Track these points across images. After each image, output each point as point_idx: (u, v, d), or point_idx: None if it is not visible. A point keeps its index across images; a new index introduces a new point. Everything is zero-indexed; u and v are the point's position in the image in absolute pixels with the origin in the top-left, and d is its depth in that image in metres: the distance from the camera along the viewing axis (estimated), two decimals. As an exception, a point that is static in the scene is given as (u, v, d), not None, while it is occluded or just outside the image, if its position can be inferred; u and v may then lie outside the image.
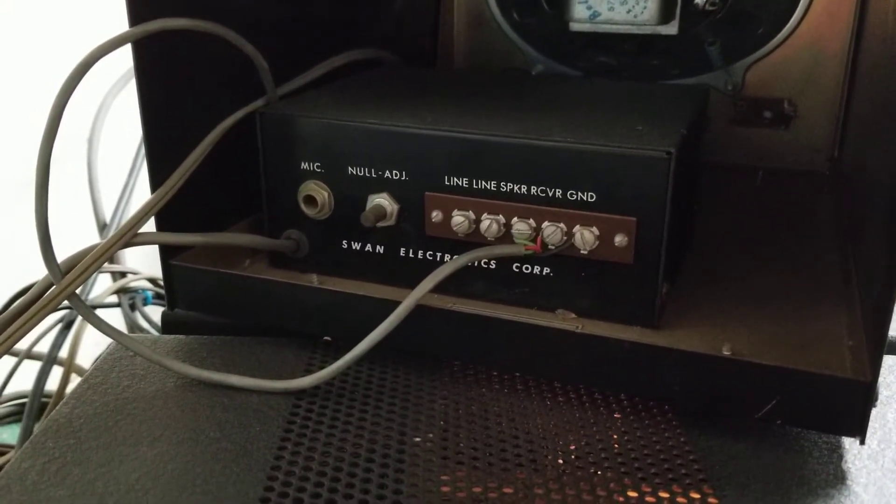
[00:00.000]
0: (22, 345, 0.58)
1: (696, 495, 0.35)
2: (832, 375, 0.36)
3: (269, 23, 0.52)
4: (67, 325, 0.66)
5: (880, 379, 0.44)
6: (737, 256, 0.53)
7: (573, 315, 0.45)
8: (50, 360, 0.66)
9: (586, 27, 0.62)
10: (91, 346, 0.68)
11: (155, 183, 0.44)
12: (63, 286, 0.40)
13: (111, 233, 0.64)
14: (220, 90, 0.48)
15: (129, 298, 0.68)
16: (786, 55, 0.66)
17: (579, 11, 0.61)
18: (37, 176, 0.39)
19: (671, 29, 0.63)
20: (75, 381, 0.70)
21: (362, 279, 0.49)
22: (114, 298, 0.69)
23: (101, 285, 0.72)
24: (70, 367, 0.67)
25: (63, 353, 0.68)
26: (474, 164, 0.45)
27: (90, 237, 0.74)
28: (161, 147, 0.44)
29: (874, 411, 0.39)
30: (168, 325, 0.47)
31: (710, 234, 0.56)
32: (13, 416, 0.71)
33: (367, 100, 0.51)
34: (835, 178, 0.66)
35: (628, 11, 0.59)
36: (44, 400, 0.67)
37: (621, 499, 0.34)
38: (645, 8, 0.59)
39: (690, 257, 0.53)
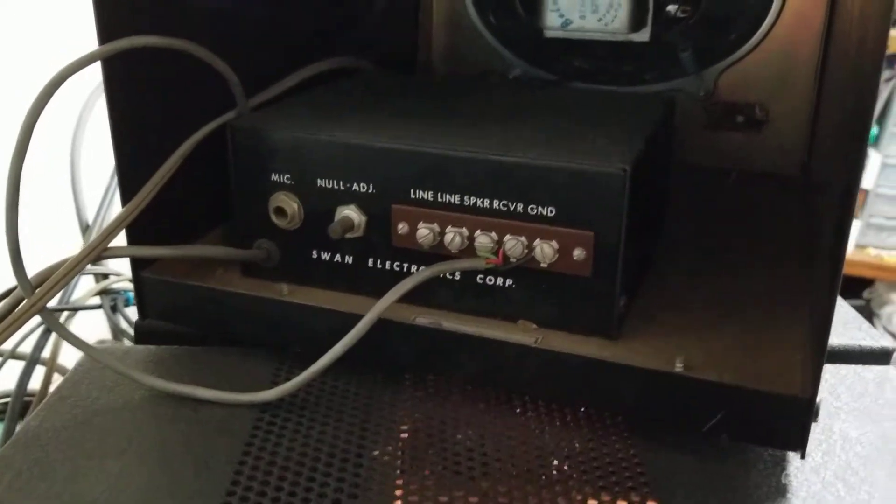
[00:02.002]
0: (6, 346, 0.59)
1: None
2: (772, 392, 0.37)
3: (243, 32, 0.53)
4: (48, 329, 0.67)
5: (832, 389, 0.46)
6: (702, 264, 0.55)
7: (534, 325, 0.47)
8: (32, 361, 0.67)
9: (559, 34, 0.63)
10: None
11: (126, 196, 0.45)
12: (33, 301, 0.41)
13: (92, 236, 0.65)
14: (192, 102, 0.49)
15: (111, 300, 0.69)
16: (758, 60, 0.67)
17: (552, 19, 0.61)
18: (7, 192, 0.40)
19: (643, 36, 0.63)
20: (57, 380, 0.72)
21: (332, 288, 0.50)
22: (96, 300, 0.70)
23: (85, 286, 0.73)
24: (52, 367, 0.68)
25: (46, 353, 0.69)
26: (439, 178, 0.46)
27: (74, 237, 0.75)
28: (131, 161, 0.45)
29: (821, 423, 0.40)
30: (140, 335, 0.49)
31: (678, 241, 0.57)
32: (-2, 415, 0.72)
33: (338, 111, 0.52)
34: (805, 182, 0.67)
35: (599, 20, 0.60)
36: (27, 399, 0.68)
37: (570, 510, 0.36)
38: (615, 17, 0.59)
39: (656, 265, 0.54)
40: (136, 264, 0.47)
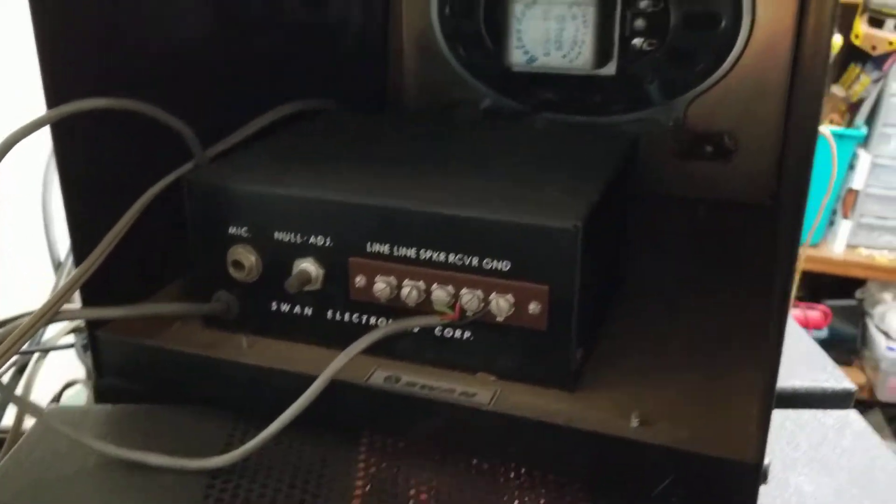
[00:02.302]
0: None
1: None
2: (720, 457, 0.37)
3: (199, 80, 0.53)
4: (21, 368, 0.67)
5: (791, 437, 0.46)
6: (665, 305, 0.54)
7: (493, 378, 0.47)
8: (6, 401, 0.67)
9: (525, 69, 0.63)
10: (51, 380, 0.70)
11: (79, 257, 0.44)
12: (-15, 368, 0.41)
13: (61, 281, 0.65)
14: (148, 155, 0.48)
15: (83, 339, 0.69)
16: (726, 90, 0.67)
17: (516, 56, 0.61)
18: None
19: (609, 70, 0.63)
20: (30, 419, 0.72)
21: (292, 340, 0.50)
22: (69, 338, 0.69)
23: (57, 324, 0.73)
24: (24, 406, 0.68)
25: (19, 390, 0.69)
26: (394, 231, 0.45)
27: (47, 275, 0.75)
28: (85, 221, 0.45)
29: (777, 477, 0.40)
30: (100, 392, 0.48)
31: (644, 280, 0.57)
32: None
33: (296, 160, 0.51)
34: (775, 212, 0.67)
35: (563, 56, 0.60)
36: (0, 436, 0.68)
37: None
38: (579, 54, 0.59)
39: (619, 307, 0.54)
40: (92, 323, 0.47)
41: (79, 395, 0.67)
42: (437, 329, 0.47)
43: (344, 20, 0.69)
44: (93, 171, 0.45)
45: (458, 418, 0.43)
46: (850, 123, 2.10)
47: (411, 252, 0.45)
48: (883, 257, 2.09)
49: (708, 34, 0.64)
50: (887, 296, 2.20)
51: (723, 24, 0.64)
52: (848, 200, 2.12)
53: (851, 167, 2.09)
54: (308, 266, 0.47)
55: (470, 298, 0.45)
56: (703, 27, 0.64)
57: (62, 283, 0.44)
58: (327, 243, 0.47)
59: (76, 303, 0.47)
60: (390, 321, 0.47)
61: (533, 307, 0.44)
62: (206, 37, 0.54)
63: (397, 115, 0.72)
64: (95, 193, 0.45)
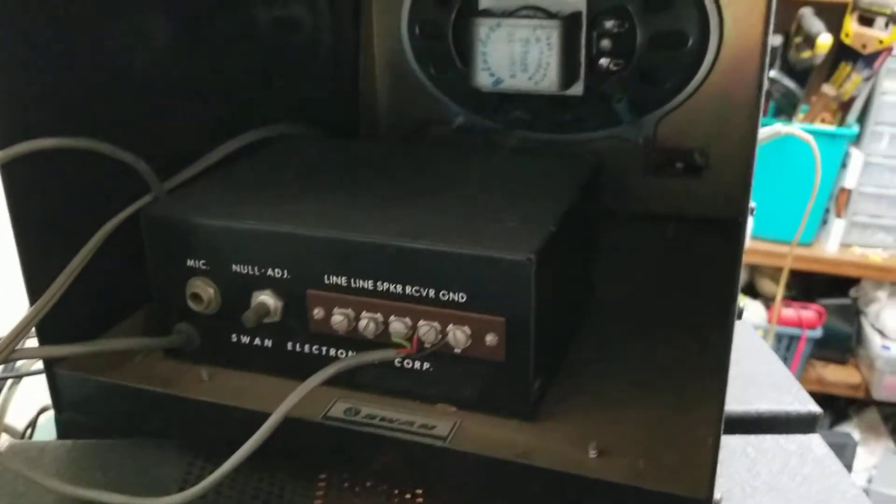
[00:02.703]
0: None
1: None
2: (671, 493, 0.37)
3: (158, 110, 0.53)
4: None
5: (751, 465, 0.45)
6: (629, 331, 0.54)
7: (454, 409, 0.46)
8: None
9: (492, 90, 0.63)
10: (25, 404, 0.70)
11: (33, 296, 0.44)
12: (-63, 411, 0.40)
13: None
14: (103, 189, 0.48)
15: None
16: (696, 107, 0.67)
17: (483, 78, 0.61)
18: None
19: (577, 90, 0.63)
20: (5, 440, 0.72)
21: (253, 371, 0.49)
22: (40, 365, 0.70)
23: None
24: (-1, 427, 0.68)
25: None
26: (351, 263, 0.45)
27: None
28: (38, 258, 0.45)
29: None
30: (62, 427, 0.48)
31: (611, 304, 0.57)
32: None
33: (254, 192, 0.51)
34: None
35: (529, 78, 0.60)
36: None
37: None
38: (545, 76, 0.59)
39: (584, 332, 0.54)
40: (49, 361, 0.47)
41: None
42: (396, 360, 0.46)
43: (314, 42, 0.69)
44: (46, 208, 0.45)
45: (416, 454, 0.43)
46: (841, 122, 2.10)
47: (368, 284, 0.45)
48: (877, 256, 2.09)
49: (675, 53, 0.64)
50: (881, 294, 2.19)
51: (690, 42, 0.63)
52: (841, 199, 2.12)
53: (844, 166, 2.09)
54: (266, 299, 0.47)
55: (427, 330, 0.44)
56: (669, 46, 0.63)
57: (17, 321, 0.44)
58: (285, 276, 0.47)
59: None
60: (349, 353, 0.47)
61: (490, 339, 0.44)
62: (168, 64, 0.54)
63: (361, 141, 0.72)
64: (49, 230, 0.45)
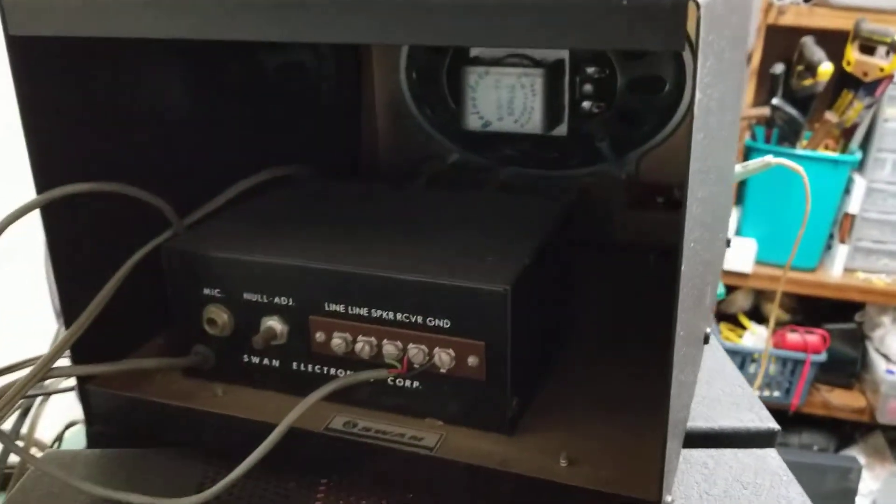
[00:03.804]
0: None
1: None
2: (624, 496, 0.42)
3: (176, 157, 0.59)
4: (25, 411, 0.72)
5: (708, 476, 0.50)
6: (606, 355, 0.59)
7: (440, 423, 0.52)
8: (14, 437, 0.73)
9: (481, 132, 0.68)
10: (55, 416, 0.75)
11: (68, 320, 0.50)
12: (-16, 422, 0.46)
13: (60, 330, 0.71)
14: (129, 226, 0.53)
15: (82, 382, 0.75)
16: (675, 145, 0.72)
17: (472, 121, 0.67)
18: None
19: (561, 131, 0.68)
20: (35, 452, 0.78)
21: (263, 388, 0.55)
22: (71, 381, 0.75)
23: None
24: (29, 442, 0.74)
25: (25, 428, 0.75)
26: (348, 292, 0.51)
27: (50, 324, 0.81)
28: (72, 288, 0.50)
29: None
30: (91, 439, 0.54)
31: (591, 327, 0.62)
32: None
33: (263, 228, 0.57)
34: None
35: (515, 121, 0.65)
36: (7, 471, 0.74)
37: None
38: (529, 119, 0.65)
39: (565, 355, 0.59)
40: (82, 378, 0.53)
41: (80, 434, 0.73)
42: (389, 379, 0.52)
43: (319, 87, 0.75)
44: (79, 243, 0.51)
45: (407, 462, 0.48)
46: (844, 149, 2.14)
47: (363, 311, 0.51)
48: (881, 281, 2.12)
49: (653, 97, 0.69)
50: (886, 319, 2.22)
51: (667, 87, 0.69)
52: (845, 225, 2.16)
53: (847, 191, 2.13)
54: (273, 323, 0.53)
55: (416, 353, 0.50)
56: (648, 91, 0.69)
57: (54, 343, 0.50)
58: (290, 303, 0.52)
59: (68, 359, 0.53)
60: (347, 373, 0.52)
61: (472, 360, 0.49)
62: (186, 112, 0.60)
63: (360, 181, 0.77)
64: (82, 263, 0.51)
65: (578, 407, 0.53)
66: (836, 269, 2.18)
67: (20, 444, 0.75)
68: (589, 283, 0.66)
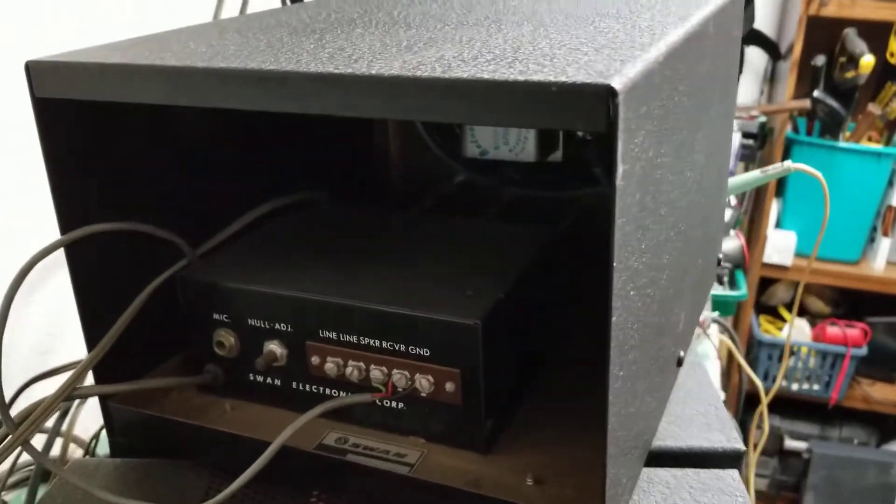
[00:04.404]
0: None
1: None
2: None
3: (201, 184, 0.64)
4: (63, 414, 0.80)
5: (666, 497, 0.54)
6: (586, 377, 0.63)
7: (423, 440, 0.57)
8: (54, 434, 0.80)
9: (480, 159, 0.72)
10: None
11: (91, 343, 0.56)
12: (17, 436, 0.53)
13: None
14: (146, 257, 0.59)
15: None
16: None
17: (471, 149, 0.71)
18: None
19: (556, 157, 0.72)
20: (74, 450, 0.85)
21: (268, 404, 0.61)
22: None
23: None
24: (68, 439, 0.81)
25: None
26: (339, 322, 0.56)
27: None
28: (94, 315, 0.56)
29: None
30: (114, 448, 0.60)
31: (576, 347, 0.66)
32: (25, 481, 0.86)
33: (268, 258, 0.62)
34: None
35: (510, 150, 0.69)
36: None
37: None
38: (524, 148, 0.69)
39: (547, 378, 0.63)
40: (104, 396, 0.59)
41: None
42: (377, 401, 0.57)
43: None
44: (100, 275, 0.57)
45: (388, 482, 0.53)
46: (888, 141, 2.11)
47: (353, 338, 0.56)
48: (925, 273, 2.10)
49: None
50: (932, 311, 2.19)
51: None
52: (888, 217, 2.13)
53: (891, 184, 2.10)
54: (274, 347, 0.58)
55: (399, 377, 0.55)
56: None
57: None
58: (289, 329, 0.58)
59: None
60: (340, 393, 0.57)
61: (449, 386, 0.54)
62: (198, 144, 0.65)
63: (367, 206, 0.82)
64: (103, 292, 0.57)
65: (555, 426, 0.57)
66: (879, 262, 2.16)
67: (60, 440, 0.82)
68: (583, 302, 0.70)
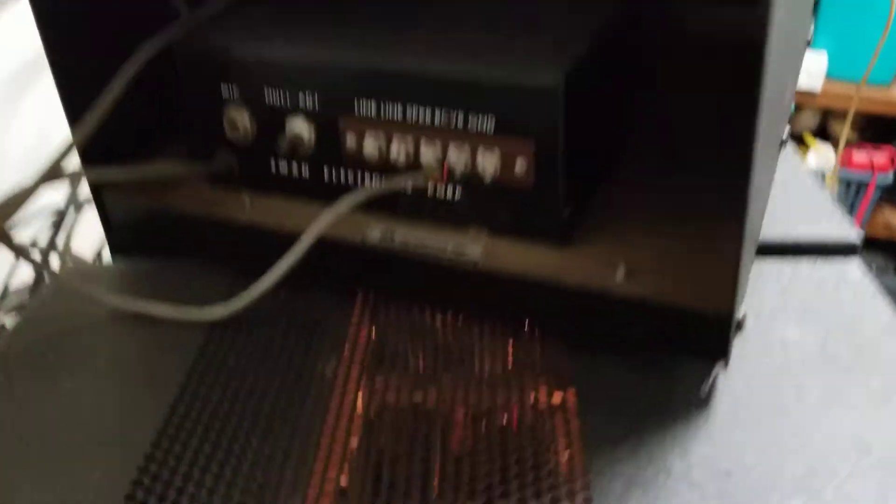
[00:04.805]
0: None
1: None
2: (692, 307, 0.38)
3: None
4: (57, 224, 0.71)
5: (784, 289, 0.45)
6: (674, 160, 0.53)
7: (485, 233, 0.47)
8: (48, 250, 0.72)
9: None
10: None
11: (72, 117, 0.45)
12: (-8, 227, 0.43)
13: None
14: (134, 13, 0.48)
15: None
16: None
17: None
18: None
19: None
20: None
21: (293, 197, 0.51)
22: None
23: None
24: (66, 255, 0.73)
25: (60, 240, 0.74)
26: (380, 89, 0.45)
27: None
28: (75, 80, 0.45)
29: (763, 327, 0.41)
30: (115, 247, 0.51)
31: (654, 131, 0.56)
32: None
33: (284, 20, 0.50)
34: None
35: None
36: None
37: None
38: None
39: (623, 161, 0.53)
40: (97, 186, 0.49)
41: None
42: (427, 189, 0.47)
43: None
44: (76, 32, 0.45)
45: (449, 275, 0.44)
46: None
47: (398, 109, 0.45)
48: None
49: None
50: None
51: None
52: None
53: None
54: (300, 127, 0.48)
55: (457, 157, 0.45)
56: None
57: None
58: (317, 103, 0.47)
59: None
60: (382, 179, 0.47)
61: (519, 165, 0.44)
62: None
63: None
64: (84, 58, 0.46)
65: (638, 216, 0.48)
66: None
67: (55, 255, 0.73)
68: (660, 81, 0.59)
